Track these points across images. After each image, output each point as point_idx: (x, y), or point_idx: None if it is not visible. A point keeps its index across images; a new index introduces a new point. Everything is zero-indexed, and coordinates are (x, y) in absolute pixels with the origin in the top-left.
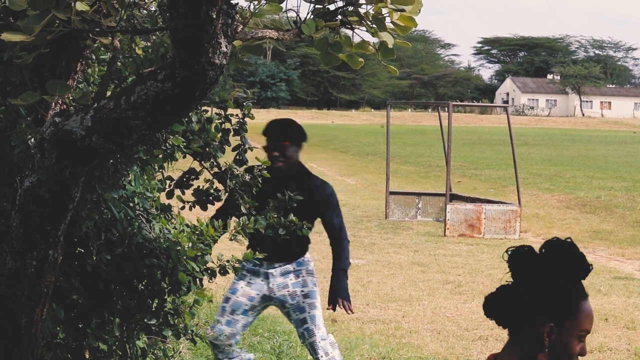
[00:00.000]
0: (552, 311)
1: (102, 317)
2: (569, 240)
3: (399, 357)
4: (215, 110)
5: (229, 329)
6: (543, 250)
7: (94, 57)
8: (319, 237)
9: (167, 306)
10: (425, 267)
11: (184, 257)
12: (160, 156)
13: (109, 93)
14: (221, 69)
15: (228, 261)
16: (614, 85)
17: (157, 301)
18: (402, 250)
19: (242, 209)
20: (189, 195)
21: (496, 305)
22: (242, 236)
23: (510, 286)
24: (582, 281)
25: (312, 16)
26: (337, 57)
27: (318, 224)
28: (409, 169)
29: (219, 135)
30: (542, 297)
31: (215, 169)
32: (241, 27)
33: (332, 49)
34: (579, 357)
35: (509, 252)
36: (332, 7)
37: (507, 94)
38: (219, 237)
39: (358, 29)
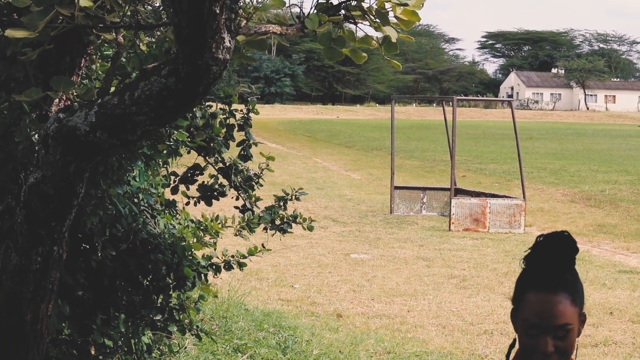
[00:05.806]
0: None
1: (107, 313)
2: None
3: (404, 352)
4: (219, 105)
5: None
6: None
7: (98, 53)
8: (324, 232)
9: (172, 302)
10: (430, 262)
11: (189, 253)
12: (165, 151)
13: (112, 89)
14: (225, 64)
15: (233, 256)
16: (618, 79)
17: (162, 297)
18: (407, 245)
19: (247, 204)
20: (193, 190)
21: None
22: (247, 231)
23: None
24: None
25: (315, 11)
26: (340, 51)
27: (323, 219)
28: (413, 163)
29: (224, 130)
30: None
31: (220, 165)
32: (244, 22)
33: (336, 44)
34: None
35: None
36: (335, 1)
37: (512, 88)
38: None
39: (361, 23)
